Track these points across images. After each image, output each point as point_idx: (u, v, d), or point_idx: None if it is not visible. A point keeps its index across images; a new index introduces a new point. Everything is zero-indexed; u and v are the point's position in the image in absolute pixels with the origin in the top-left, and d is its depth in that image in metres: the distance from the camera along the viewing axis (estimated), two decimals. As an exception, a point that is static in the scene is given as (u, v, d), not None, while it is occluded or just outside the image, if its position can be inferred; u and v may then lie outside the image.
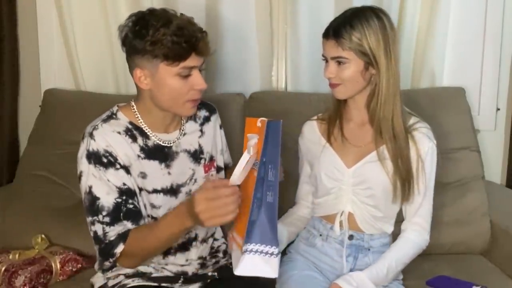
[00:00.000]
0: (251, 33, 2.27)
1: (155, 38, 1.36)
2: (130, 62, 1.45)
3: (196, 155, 1.57)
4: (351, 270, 1.58)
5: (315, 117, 1.70)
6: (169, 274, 1.54)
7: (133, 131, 1.48)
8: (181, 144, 1.55)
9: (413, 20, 2.21)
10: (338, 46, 1.49)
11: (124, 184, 1.43)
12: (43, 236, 1.87)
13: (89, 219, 1.42)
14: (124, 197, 1.42)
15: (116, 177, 1.42)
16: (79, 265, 1.83)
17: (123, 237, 1.39)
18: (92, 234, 1.42)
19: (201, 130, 1.61)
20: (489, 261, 1.92)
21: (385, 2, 2.21)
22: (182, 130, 1.56)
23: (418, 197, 1.58)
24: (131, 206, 1.43)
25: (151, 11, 1.43)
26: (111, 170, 1.41)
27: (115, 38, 2.23)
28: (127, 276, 1.52)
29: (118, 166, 1.42)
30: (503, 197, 2.19)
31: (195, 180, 1.57)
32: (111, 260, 1.40)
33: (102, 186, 1.40)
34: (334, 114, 1.64)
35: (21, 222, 1.95)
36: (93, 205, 1.41)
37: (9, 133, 2.36)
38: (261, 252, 1.21)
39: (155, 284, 1.51)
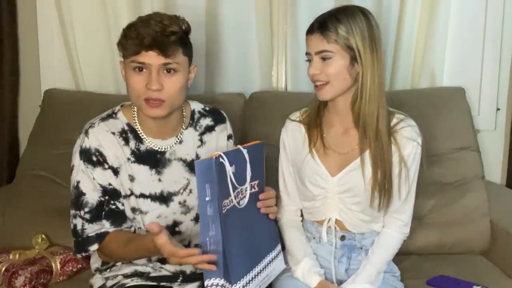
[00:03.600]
0: (251, 33, 2.27)
1: (124, 30, 1.43)
2: None
3: (192, 165, 1.53)
4: (345, 270, 1.59)
5: (298, 116, 1.63)
6: (167, 273, 1.54)
7: (128, 134, 1.49)
8: (176, 152, 1.53)
9: (413, 20, 2.21)
10: (323, 39, 1.45)
11: (110, 184, 1.47)
12: (43, 236, 1.87)
13: (72, 212, 1.48)
14: (107, 197, 1.46)
15: (103, 177, 1.46)
16: (79, 266, 1.83)
17: (99, 237, 1.45)
18: (72, 226, 1.48)
19: (200, 140, 1.58)
20: (489, 261, 1.92)
21: (385, 2, 2.22)
22: (179, 138, 1.54)
23: (399, 202, 1.55)
24: (113, 206, 1.48)
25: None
26: (98, 169, 1.45)
27: (115, 38, 2.24)
28: (126, 276, 1.52)
29: (106, 166, 1.46)
30: (503, 197, 2.19)
31: (190, 191, 1.54)
32: (84, 254, 1.49)
33: (89, 183, 1.45)
34: (314, 120, 1.59)
35: (21, 222, 1.95)
36: (78, 199, 1.46)
37: (9, 133, 2.35)
38: (248, 283, 1.29)
39: (154, 283, 1.52)
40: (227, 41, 2.26)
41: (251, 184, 1.36)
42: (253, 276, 1.33)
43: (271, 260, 1.42)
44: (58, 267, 1.78)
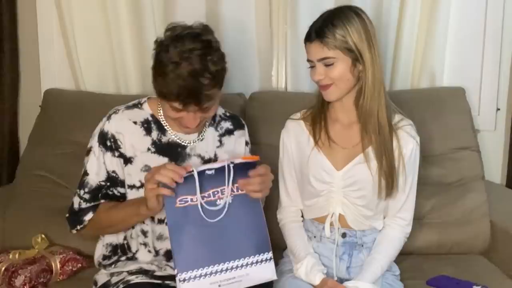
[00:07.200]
0: (251, 33, 2.27)
1: (161, 70, 1.36)
2: None
3: (208, 163, 1.55)
4: (347, 268, 1.60)
5: (300, 116, 1.66)
6: (172, 272, 1.53)
7: (151, 124, 1.52)
8: (196, 148, 1.55)
9: (413, 20, 2.21)
10: (323, 46, 1.48)
11: (113, 172, 1.51)
12: (43, 236, 1.86)
13: (76, 190, 1.54)
14: (108, 183, 1.51)
15: (110, 163, 1.50)
16: (79, 265, 1.83)
17: (94, 208, 1.51)
18: (70, 203, 1.55)
19: (220, 141, 1.60)
20: (489, 261, 1.92)
21: (385, 2, 2.22)
22: (202, 135, 1.56)
23: (399, 194, 1.58)
24: (110, 193, 1.52)
25: (186, 36, 1.38)
26: (108, 154, 1.50)
27: (115, 38, 2.25)
28: (131, 273, 1.52)
29: (116, 154, 1.49)
30: (503, 197, 2.19)
31: None
32: (78, 227, 1.53)
33: (96, 165, 1.50)
34: (318, 115, 1.62)
35: (21, 222, 1.95)
36: (82, 178, 1.52)
37: (9, 133, 2.36)
38: (200, 276, 1.33)
39: (159, 281, 1.52)
40: (227, 41, 2.25)
41: (237, 186, 1.40)
42: (210, 272, 1.35)
43: (246, 264, 1.39)
44: (58, 267, 1.78)
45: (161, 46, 1.39)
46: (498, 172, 2.38)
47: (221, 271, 1.36)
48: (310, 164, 1.59)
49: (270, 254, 1.42)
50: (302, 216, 1.70)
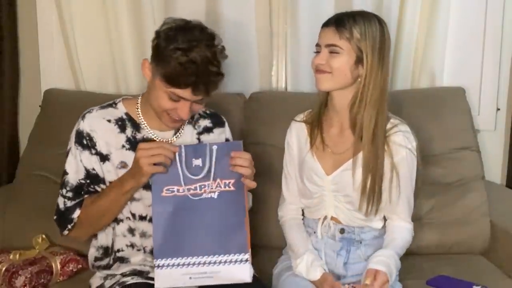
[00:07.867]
0: (251, 33, 2.27)
1: (168, 54, 1.39)
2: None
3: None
4: (344, 264, 1.61)
5: (302, 117, 1.68)
6: None
7: (125, 122, 1.54)
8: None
9: (413, 20, 2.21)
10: (336, 33, 1.50)
11: (93, 169, 1.53)
12: (43, 236, 1.86)
13: (59, 191, 1.55)
14: (88, 181, 1.53)
15: (89, 161, 1.52)
16: (80, 266, 1.83)
17: (79, 203, 1.53)
18: (55, 206, 1.55)
19: (198, 139, 1.62)
20: (489, 261, 1.92)
21: (385, 2, 2.22)
22: (180, 133, 1.58)
23: (390, 206, 1.58)
24: (92, 190, 1.55)
25: (194, 27, 1.45)
26: (86, 153, 1.52)
27: (115, 38, 2.25)
28: (124, 275, 1.53)
29: (93, 151, 1.52)
30: (503, 197, 2.19)
31: None
32: (69, 226, 1.53)
33: (74, 164, 1.53)
34: (316, 119, 1.64)
35: (21, 222, 1.95)
36: (62, 177, 1.55)
37: (9, 133, 2.36)
38: (173, 265, 1.38)
39: (153, 282, 1.51)
40: (227, 41, 2.24)
41: (225, 182, 1.42)
42: (183, 263, 1.37)
43: (220, 261, 1.39)
44: (58, 267, 1.78)
45: (167, 35, 1.42)
46: (498, 172, 2.38)
47: (194, 264, 1.39)
48: (305, 166, 1.62)
49: (247, 256, 1.41)
50: (303, 214, 1.71)
